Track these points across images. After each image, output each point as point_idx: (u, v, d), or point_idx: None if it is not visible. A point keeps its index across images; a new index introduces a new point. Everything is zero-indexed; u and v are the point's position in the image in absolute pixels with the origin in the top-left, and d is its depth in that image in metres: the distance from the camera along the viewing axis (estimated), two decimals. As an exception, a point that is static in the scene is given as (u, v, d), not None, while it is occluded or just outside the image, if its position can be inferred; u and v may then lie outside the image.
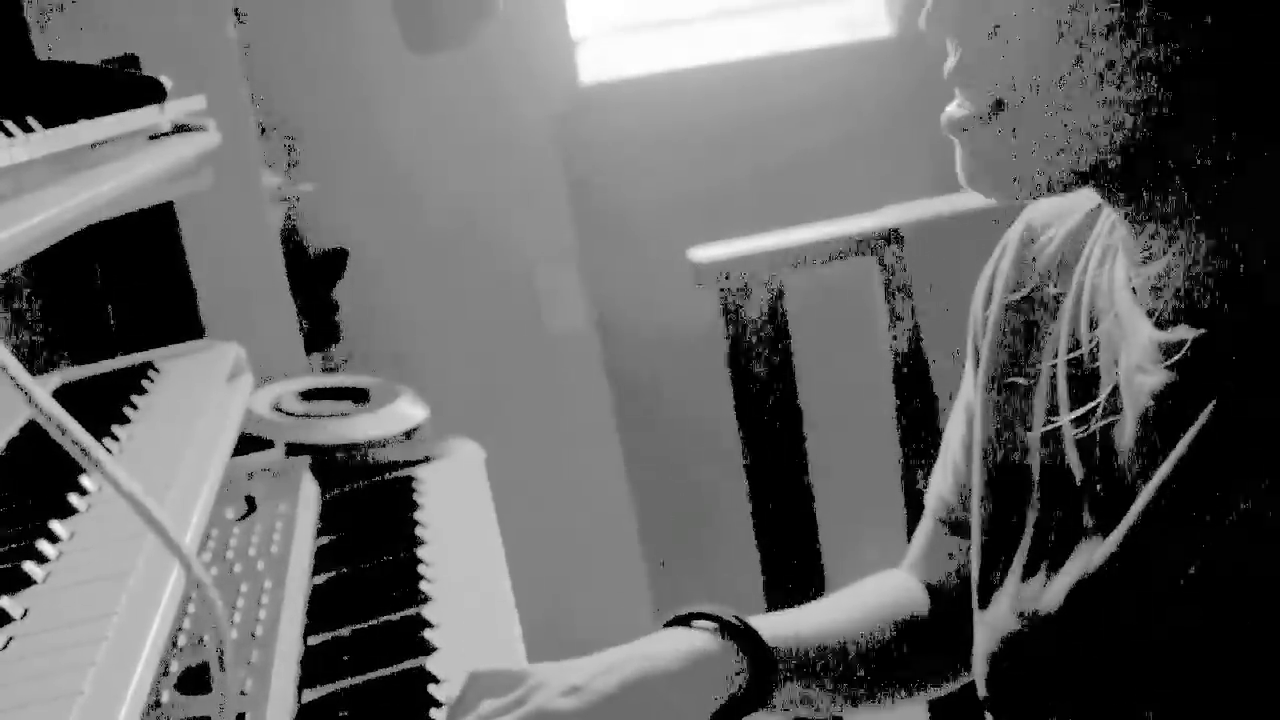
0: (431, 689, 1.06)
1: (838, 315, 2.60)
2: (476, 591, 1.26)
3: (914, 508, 2.25)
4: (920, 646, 1.06)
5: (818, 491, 2.31)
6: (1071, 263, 0.91)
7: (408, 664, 1.12)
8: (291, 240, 2.39)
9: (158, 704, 1.01)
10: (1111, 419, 0.83)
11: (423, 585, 1.26)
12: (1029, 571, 0.89)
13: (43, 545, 0.95)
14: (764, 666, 0.96)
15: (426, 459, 1.58)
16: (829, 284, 2.49)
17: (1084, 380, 0.86)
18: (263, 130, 2.30)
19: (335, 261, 2.54)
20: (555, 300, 2.74)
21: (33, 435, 1.20)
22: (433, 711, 1.04)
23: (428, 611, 1.21)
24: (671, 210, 2.68)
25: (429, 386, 1.77)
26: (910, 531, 2.24)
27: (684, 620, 0.99)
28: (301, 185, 2.44)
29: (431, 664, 1.11)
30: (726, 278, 2.23)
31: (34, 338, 1.54)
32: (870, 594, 1.10)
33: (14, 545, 0.96)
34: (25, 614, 0.86)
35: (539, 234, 2.71)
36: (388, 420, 1.63)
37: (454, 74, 2.60)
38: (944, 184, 2.48)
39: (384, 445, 1.61)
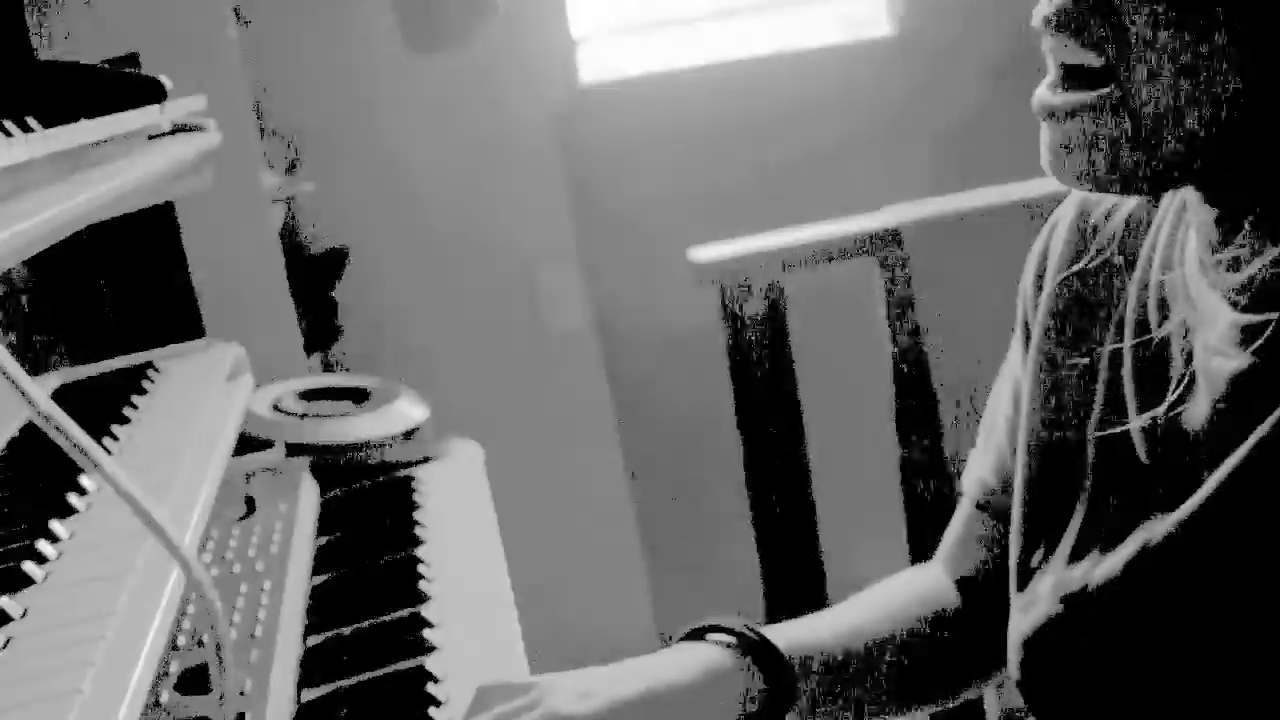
0: (431, 688, 1.06)
1: (838, 315, 2.60)
2: (476, 591, 1.26)
3: (914, 508, 2.25)
4: (950, 645, 1.04)
5: (818, 491, 2.31)
6: (1136, 242, 0.90)
7: (407, 663, 1.12)
8: (291, 240, 2.39)
9: (157, 704, 1.01)
10: (1182, 403, 0.82)
11: (422, 585, 1.26)
12: (1076, 556, 0.87)
13: (43, 545, 0.95)
14: (781, 682, 0.94)
15: (426, 459, 1.58)
16: (829, 284, 2.49)
17: (1151, 363, 0.85)
18: (263, 130, 2.30)
19: (335, 261, 2.54)
20: (555, 300, 2.74)
21: (33, 435, 1.20)
22: (432, 711, 1.04)
23: (427, 611, 1.21)
24: (671, 210, 2.68)
25: (429, 386, 1.77)
26: (911, 531, 2.26)
27: (699, 634, 0.97)
28: (301, 185, 2.44)
29: (431, 663, 1.11)
30: (726, 278, 2.23)
31: (34, 338, 1.54)
32: (898, 592, 1.07)
33: (14, 545, 0.96)
34: (25, 614, 0.86)
35: (539, 234, 2.71)
36: (388, 420, 1.63)
37: (454, 74, 2.60)
38: (944, 184, 2.50)
39: (384, 445, 1.61)
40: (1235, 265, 0.80)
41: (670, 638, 1.01)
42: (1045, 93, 0.79)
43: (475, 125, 2.64)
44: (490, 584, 1.28)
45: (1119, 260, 0.90)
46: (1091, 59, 0.76)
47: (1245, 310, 0.78)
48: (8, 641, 0.82)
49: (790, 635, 0.98)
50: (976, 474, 1.05)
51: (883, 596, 1.07)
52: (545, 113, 2.70)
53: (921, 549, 2.22)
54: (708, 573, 2.80)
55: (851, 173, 2.68)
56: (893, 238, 2.19)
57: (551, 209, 2.72)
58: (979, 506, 1.05)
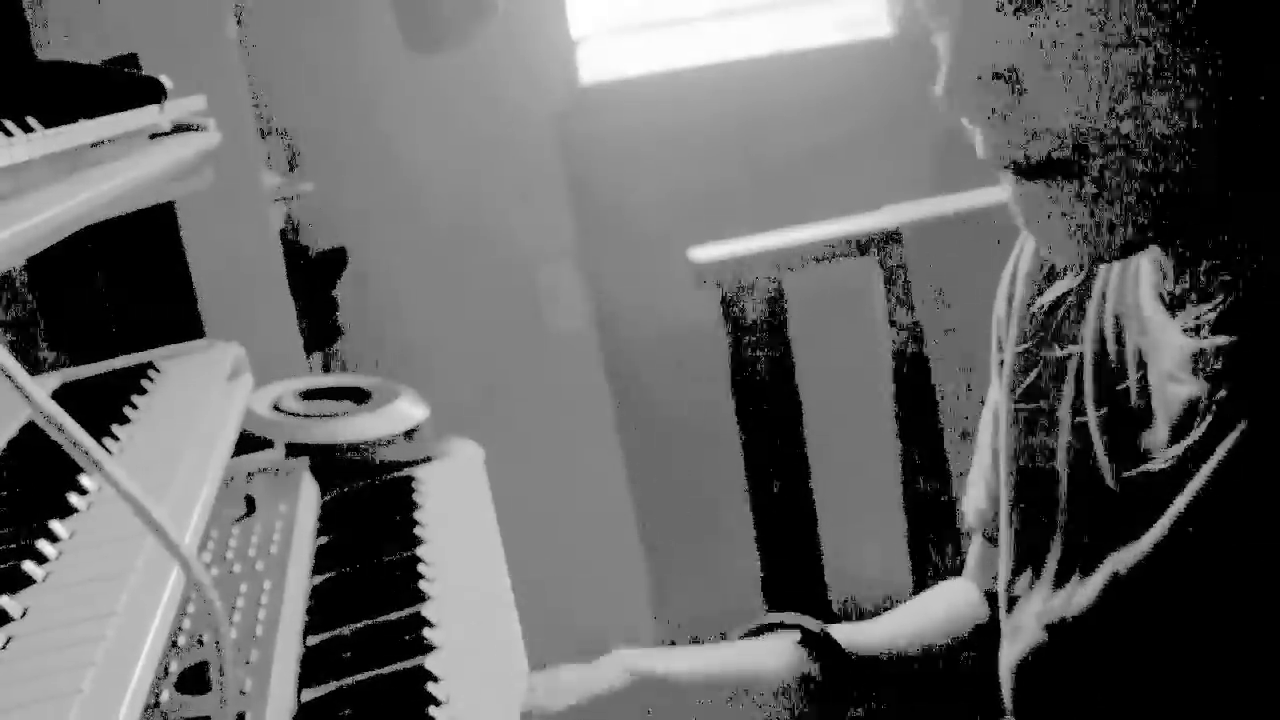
0: (431, 688, 1.06)
1: (838, 315, 2.60)
2: (476, 591, 1.26)
3: (914, 508, 2.25)
4: (985, 655, 1.02)
5: (818, 491, 2.31)
6: (1093, 277, 0.90)
7: (407, 663, 1.12)
8: (291, 240, 2.39)
9: (157, 704, 1.01)
10: (1142, 426, 0.83)
11: (422, 585, 1.26)
12: (1059, 582, 0.87)
13: (43, 545, 0.95)
14: (842, 674, 0.97)
15: (426, 459, 1.58)
16: (829, 284, 2.49)
17: (1111, 389, 0.86)
18: (263, 130, 2.30)
19: (335, 261, 2.54)
20: (555, 300, 2.74)
21: (33, 435, 1.20)
22: (433, 710, 1.04)
23: (427, 611, 1.21)
24: (671, 210, 2.68)
25: (429, 386, 1.77)
26: (911, 532, 2.26)
27: (758, 631, 1.00)
28: (301, 185, 2.44)
29: (431, 663, 1.11)
30: (726, 278, 2.24)
31: (34, 337, 1.54)
32: (935, 604, 1.08)
33: (14, 545, 0.96)
34: (25, 614, 0.86)
35: (539, 234, 2.71)
36: (388, 420, 1.63)
37: (454, 74, 2.60)
38: (944, 184, 2.50)
39: (384, 445, 1.61)
40: (1182, 301, 0.80)
41: (670, 638, 1.02)
42: (1008, 152, 0.77)
43: (475, 125, 2.64)
44: (490, 584, 1.28)
45: (1079, 286, 0.91)
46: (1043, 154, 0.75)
47: (1194, 334, 0.79)
48: (8, 641, 0.82)
49: (848, 634, 1.00)
50: (974, 503, 1.05)
51: (921, 609, 1.08)
52: (545, 112, 2.70)
53: (921, 549, 2.22)
54: (708, 573, 2.80)
55: (851, 173, 2.68)
56: (893, 238, 2.19)
57: (552, 208, 2.72)
58: (985, 537, 1.06)
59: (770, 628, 1.00)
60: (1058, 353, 0.91)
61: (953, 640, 1.04)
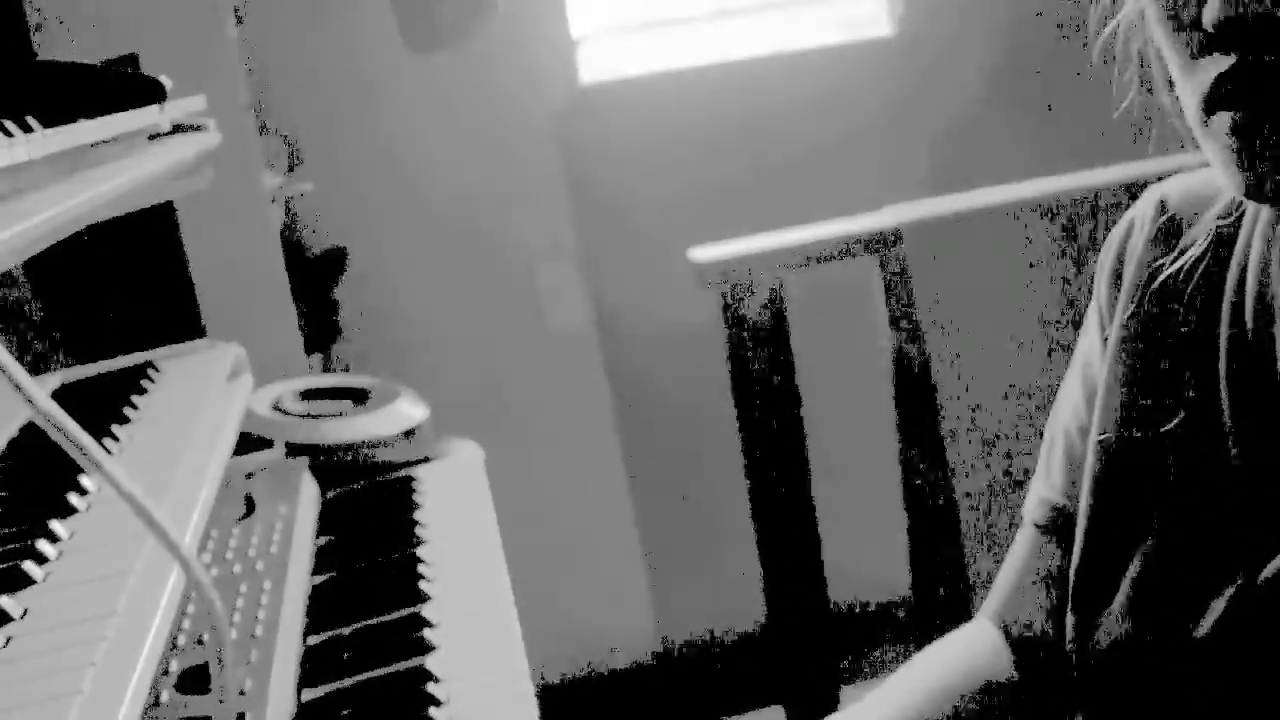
0: (431, 688, 1.07)
1: (838, 315, 2.60)
2: (476, 591, 1.27)
3: (914, 508, 2.25)
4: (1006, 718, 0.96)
5: (818, 491, 2.31)
6: (1229, 245, 0.84)
7: (407, 663, 1.12)
8: (291, 240, 2.39)
9: (157, 704, 1.01)
10: None
11: (422, 585, 1.26)
12: (1154, 588, 0.81)
13: (43, 545, 0.95)
14: None
15: (426, 459, 1.58)
16: (829, 284, 2.49)
17: (1248, 371, 0.79)
18: (263, 130, 2.30)
19: (335, 261, 2.54)
20: (556, 299, 2.74)
21: (33, 435, 1.20)
22: (432, 710, 1.04)
23: (427, 611, 1.21)
24: (671, 210, 2.68)
25: (429, 386, 1.77)
26: (911, 531, 2.25)
27: None
28: (301, 185, 2.44)
29: (431, 663, 1.11)
30: (726, 278, 2.23)
31: (34, 337, 1.54)
32: (940, 668, 0.99)
33: (14, 545, 0.96)
34: (25, 614, 0.86)
35: (539, 233, 2.71)
36: (387, 420, 1.63)
37: (454, 73, 2.60)
38: (944, 184, 2.49)
39: (384, 445, 1.61)
40: None
41: (670, 638, 0.99)
42: (1235, 118, 0.70)
43: (475, 125, 2.64)
44: (490, 584, 1.28)
45: (1211, 262, 0.84)
46: None
47: None
48: (8, 641, 0.82)
49: None
50: (1038, 495, 0.98)
51: (923, 678, 0.99)
52: (545, 112, 2.70)
53: (921, 548, 2.22)
54: (708, 573, 2.80)
55: (851, 172, 2.68)
56: (893, 238, 2.19)
57: (552, 208, 2.72)
58: (1041, 530, 0.97)
59: None
60: (1183, 327, 0.85)
61: (959, 711, 0.95)
